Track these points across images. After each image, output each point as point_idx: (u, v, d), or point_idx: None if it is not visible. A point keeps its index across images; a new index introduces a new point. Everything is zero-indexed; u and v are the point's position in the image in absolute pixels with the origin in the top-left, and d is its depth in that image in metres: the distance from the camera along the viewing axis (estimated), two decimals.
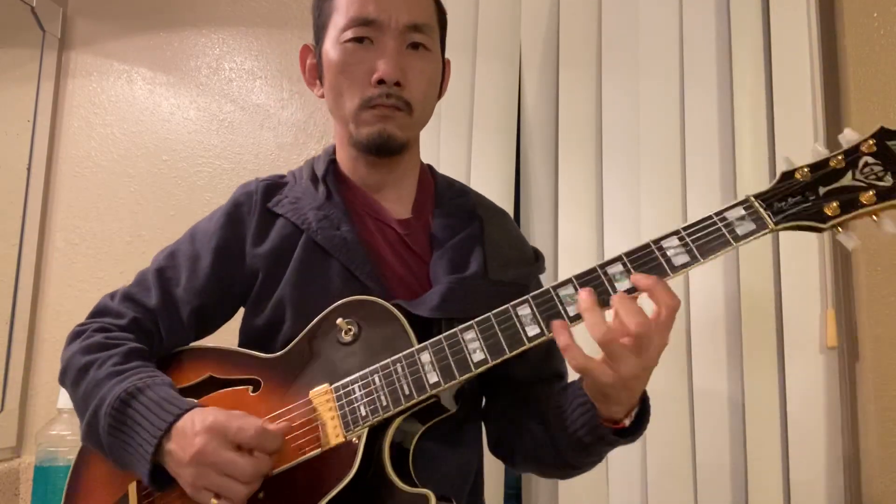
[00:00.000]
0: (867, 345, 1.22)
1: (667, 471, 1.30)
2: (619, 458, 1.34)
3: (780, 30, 1.33)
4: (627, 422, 0.75)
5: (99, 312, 0.90)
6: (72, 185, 1.83)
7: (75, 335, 0.87)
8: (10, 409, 1.69)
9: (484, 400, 0.97)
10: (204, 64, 1.83)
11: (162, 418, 0.74)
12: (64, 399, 1.39)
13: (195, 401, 0.78)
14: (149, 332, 0.88)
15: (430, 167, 1.04)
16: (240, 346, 0.91)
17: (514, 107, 1.53)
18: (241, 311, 0.95)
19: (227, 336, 0.95)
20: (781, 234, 1.26)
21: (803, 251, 1.26)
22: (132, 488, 0.81)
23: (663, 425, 1.29)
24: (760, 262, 1.30)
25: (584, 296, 0.69)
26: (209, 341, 0.93)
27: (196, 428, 0.72)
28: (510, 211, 1.49)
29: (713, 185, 1.35)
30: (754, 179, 1.31)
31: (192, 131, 1.80)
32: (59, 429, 1.40)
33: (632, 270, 0.69)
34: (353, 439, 0.75)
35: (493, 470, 1.38)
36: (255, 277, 0.89)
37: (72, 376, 0.83)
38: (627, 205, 1.40)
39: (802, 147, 1.23)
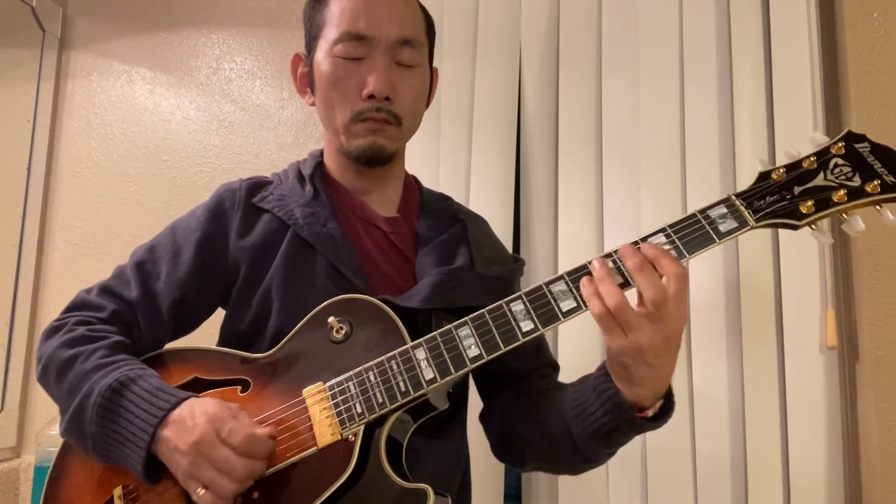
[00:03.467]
0: (867, 345, 1.22)
1: (667, 471, 1.30)
2: (619, 459, 1.33)
3: (780, 29, 1.33)
4: (651, 412, 0.73)
5: (77, 306, 0.88)
6: (72, 185, 1.83)
7: (53, 329, 0.85)
8: (10, 409, 1.69)
9: (483, 404, 0.98)
10: (204, 64, 1.83)
11: (159, 406, 0.73)
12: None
13: (191, 392, 0.77)
14: (129, 325, 0.86)
15: (414, 178, 1.05)
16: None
17: (514, 107, 1.53)
18: (220, 312, 0.93)
19: (206, 338, 0.93)
20: (781, 234, 1.28)
21: (803, 252, 1.26)
22: (118, 492, 0.79)
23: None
24: (761, 263, 1.30)
25: (598, 265, 0.71)
26: (189, 342, 0.91)
27: (196, 417, 0.71)
28: (510, 211, 1.49)
29: (713, 185, 1.35)
30: (754, 179, 1.31)
31: (192, 131, 1.80)
32: None
33: (622, 267, 0.71)
34: (349, 437, 0.74)
35: (493, 470, 1.38)
36: (238, 272, 0.88)
37: (55, 371, 0.80)
38: (627, 204, 1.40)
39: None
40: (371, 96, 0.86)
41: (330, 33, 0.89)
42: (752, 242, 1.30)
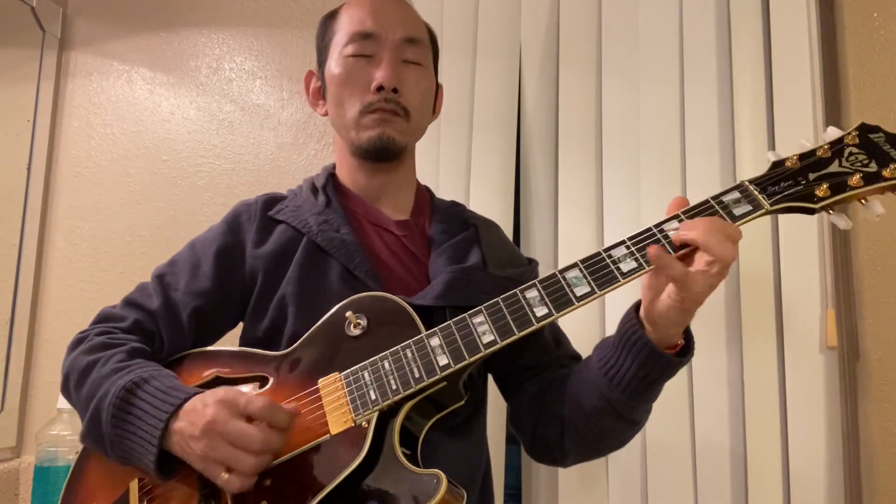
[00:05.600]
0: (867, 345, 1.22)
1: (667, 471, 1.30)
2: (619, 458, 1.34)
3: (780, 29, 1.33)
4: (681, 341, 0.75)
5: (101, 319, 0.92)
6: (72, 185, 1.82)
7: (77, 342, 0.88)
8: (10, 409, 1.69)
9: (508, 409, 0.98)
10: (204, 64, 1.83)
11: (169, 403, 0.75)
12: (64, 399, 1.39)
13: (200, 388, 0.79)
14: (151, 334, 0.89)
15: (426, 187, 1.09)
16: None
17: (514, 107, 1.53)
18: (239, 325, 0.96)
19: (225, 344, 0.95)
20: (782, 233, 1.28)
21: (803, 251, 1.26)
22: (133, 486, 0.81)
23: (663, 424, 1.29)
24: (761, 263, 1.30)
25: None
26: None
27: (207, 401, 0.73)
28: (510, 211, 1.49)
29: (713, 184, 1.34)
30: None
31: (192, 131, 1.80)
32: (59, 429, 1.40)
33: (636, 253, 0.72)
34: (363, 423, 0.76)
35: (493, 470, 1.38)
36: (255, 281, 0.92)
37: (75, 378, 0.83)
38: (627, 205, 1.40)
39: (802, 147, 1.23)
40: (380, 88, 0.91)
41: (340, 40, 0.95)
42: (753, 241, 1.30)
